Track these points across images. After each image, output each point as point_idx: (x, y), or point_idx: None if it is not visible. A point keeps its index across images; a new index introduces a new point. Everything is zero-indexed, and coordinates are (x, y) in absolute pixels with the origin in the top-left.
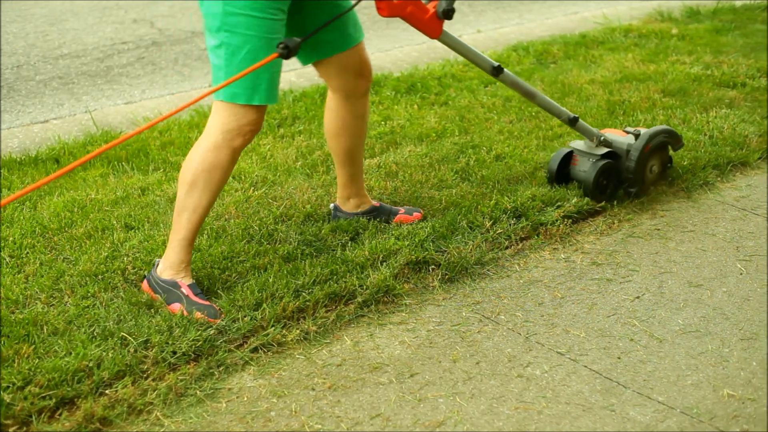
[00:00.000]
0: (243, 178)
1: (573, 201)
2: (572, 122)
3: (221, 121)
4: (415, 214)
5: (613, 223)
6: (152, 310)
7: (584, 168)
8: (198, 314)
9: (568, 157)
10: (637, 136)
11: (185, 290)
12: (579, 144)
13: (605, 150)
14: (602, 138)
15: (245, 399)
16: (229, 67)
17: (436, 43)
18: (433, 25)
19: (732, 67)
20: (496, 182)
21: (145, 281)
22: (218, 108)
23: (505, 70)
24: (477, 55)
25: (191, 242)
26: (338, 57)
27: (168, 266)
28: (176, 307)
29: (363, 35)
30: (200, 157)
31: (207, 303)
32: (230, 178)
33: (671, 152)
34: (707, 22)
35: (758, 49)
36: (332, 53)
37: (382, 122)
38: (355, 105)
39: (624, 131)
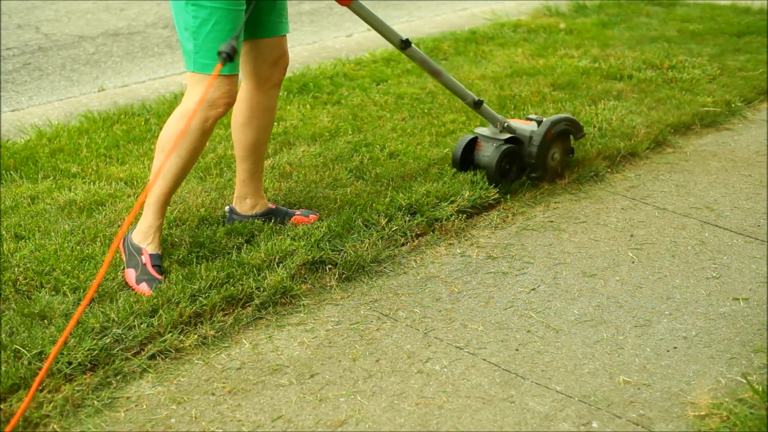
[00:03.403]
0: (135, 183)
1: (466, 195)
2: (476, 105)
3: (198, 92)
4: (311, 216)
5: (507, 217)
6: (46, 321)
7: (487, 153)
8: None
9: (473, 144)
10: (539, 122)
11: (145, 258)
12: (483, 130)
13: (508, 135)
14: (506, 124)
15: (144, 407)
16: (197, 39)
17: (327, 42)
18: None
19: (619, 59)
20: (390, 180)
21: (122, 242)
22: (192, 80)
23: (412, 45)
24: (386, 27)
25: (161, 208)
26: (265, 41)
27: (139, 230)
28: (131, 273)
29: (289, 30)
30: (172, 124)
31: (157, 276)
32: (122, 183)
33: (573, 142)
34: (594, 17)
35: (643, 41)
36: (263, 35)
37: (275, 123)
38: (265, 95)
39: (527, 119)
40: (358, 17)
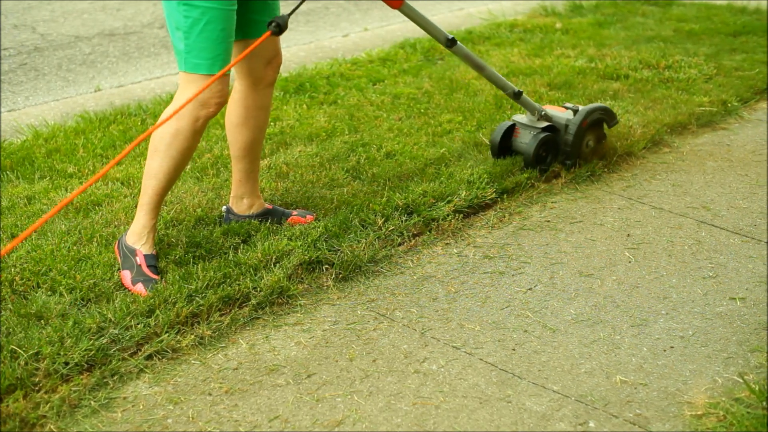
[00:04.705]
0: (132, 183)
1: (463, 195)
2: (516, 96)
3: (189, 92)
4: (308, 216)
5: (504, 217)
6: (42, 321)
7: (525, 140)
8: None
9: (510, 130)
10: (575, 111)
11: (139, 259)
12: (521, 118)
13: (545, 123)
14: (543, 112)
15: (141, 407)
16: (189, 39)
17: (323, 42)
18: None
19: (615, 59)
20: (387, 179)
21: (116, 242)
22: (185, 80)
23: (458, 42)
24: (433, 26)
25: (155, 208)
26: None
27: (132, 231)
28: (126, 274)
29: None
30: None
31: (154, 276)
32: (119, 184)
33: (606, 129)
34: (590, 16)
35: (639, 41)
36: (257, 35)
37: (272, 123)
38: (259, 95)
39: (563, 107)
40: (408, 18)
